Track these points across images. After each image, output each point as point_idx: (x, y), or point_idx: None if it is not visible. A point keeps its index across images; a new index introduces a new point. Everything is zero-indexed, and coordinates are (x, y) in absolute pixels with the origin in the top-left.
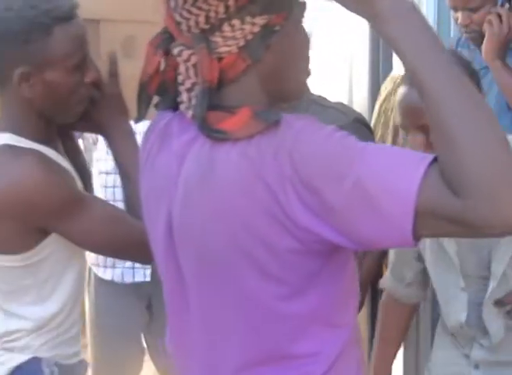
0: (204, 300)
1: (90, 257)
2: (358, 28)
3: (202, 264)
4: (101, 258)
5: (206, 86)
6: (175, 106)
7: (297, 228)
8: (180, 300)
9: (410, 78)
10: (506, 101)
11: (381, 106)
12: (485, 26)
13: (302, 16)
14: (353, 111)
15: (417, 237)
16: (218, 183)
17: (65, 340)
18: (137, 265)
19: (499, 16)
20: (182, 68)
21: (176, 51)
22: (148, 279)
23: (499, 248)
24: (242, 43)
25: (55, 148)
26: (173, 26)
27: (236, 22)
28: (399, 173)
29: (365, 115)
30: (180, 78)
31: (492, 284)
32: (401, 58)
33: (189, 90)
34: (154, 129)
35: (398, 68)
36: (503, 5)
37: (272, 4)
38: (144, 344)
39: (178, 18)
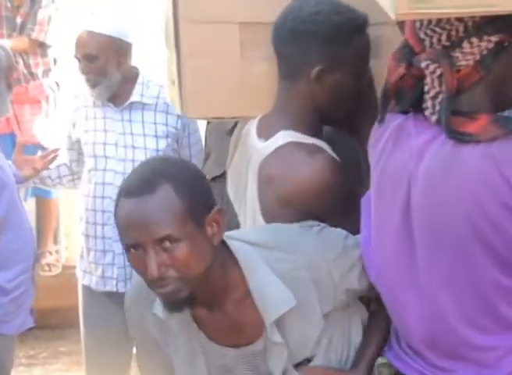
0: (432, 269)
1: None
2: None
3: (436, 240)
4: (83, 262)
5: (449, 95)
6: (407, 110)
7: None
8: (407, 266)
9: None
10: None
11: None
12: None
13: None
14: None
15: None
16: (461, 176)
17: None
18: (107, 274)
19: None
20: (428, 79)
21: (423, 64)
22: (115, 289)
23: None
24: (478, 58)
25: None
26: (415, 42)
27: (474, 40)
28: None
29: None
30: (426, 88)
31: None
32: None
33: (433, 98)
34: (386, 129)
35: None
36: None
37: (504, 24)
38: (134, 350)
39: (422, 35)
